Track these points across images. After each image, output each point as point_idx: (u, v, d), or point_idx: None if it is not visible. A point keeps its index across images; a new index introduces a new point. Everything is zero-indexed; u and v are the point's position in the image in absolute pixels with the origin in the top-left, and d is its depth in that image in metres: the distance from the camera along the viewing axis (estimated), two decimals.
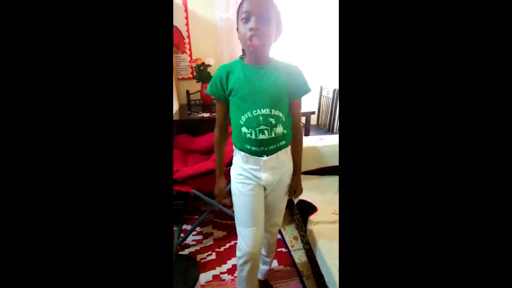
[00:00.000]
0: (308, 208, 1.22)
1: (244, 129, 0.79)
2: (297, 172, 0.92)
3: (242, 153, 0.82)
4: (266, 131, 0.77)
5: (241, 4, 0.72)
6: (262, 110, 0.76)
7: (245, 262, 0.88)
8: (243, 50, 0.82)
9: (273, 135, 0.78)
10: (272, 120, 0.77)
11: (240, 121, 0.78)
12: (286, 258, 1.34)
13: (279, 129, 0.79)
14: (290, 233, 1.51)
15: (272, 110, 0.76)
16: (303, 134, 2.04)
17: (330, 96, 2.24)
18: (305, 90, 0.82)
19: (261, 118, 0.76)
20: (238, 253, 0.90)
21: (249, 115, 0.77)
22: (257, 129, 0.77)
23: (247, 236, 0.86)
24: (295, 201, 1.33)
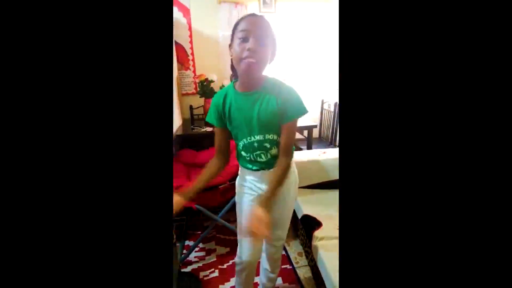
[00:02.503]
0: (312, 223, 1.20)
1: (243, 153, 0.83)
2: (268, 192, 0.75)
3: (245, 169, 0.87)
4: (262, 155, 0.81)
5: (238, 23, 0.70)
6: (255, 136, 0.78)
7: (242, 270, 0.94)
8: (232, 69, 0.79)
9: (269, 157, 0.81)
10: (267, 145, 0.79)
11: (239, 146, 0.83)
12: (291, 275, 1.31)
13: (275, 151, 0.81)
14: (294, 249, 1.48)
15: (266, 135, 0.78)
16: (306, 148, 2.03)
17: (332, 109, 2.26)
18: (299, 111, 0.74)
19: (256, 144, 0.79)
20: (236, 260, 0.95)
21: (245, 142, 0.80)
22: (254, 153, 0.81)
23: (245, 246, 0.90)
24: (299, 216, 1.32)
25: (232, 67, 0.78)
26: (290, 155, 0.80)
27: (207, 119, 0.84)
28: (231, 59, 0.75)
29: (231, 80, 0.82)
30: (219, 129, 0.83)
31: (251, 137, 0.78)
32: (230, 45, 0.74)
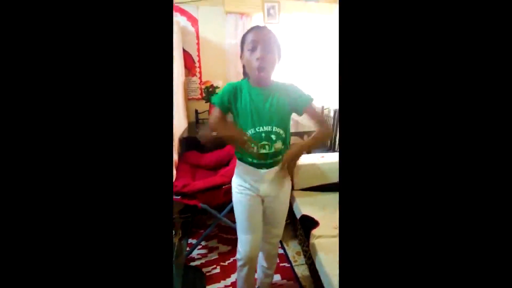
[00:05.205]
0: (310, 223, 1.27)
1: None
2: (301, 145, 0.87)
3: (244, 164, 0.92)
4: (267, 146, 0.88)
5: (246, 34, 0.84)
6: (265, 127, 0.86)
7: (243, 265, 0.99)
8: (244, 74, 0.91)
9: (272, 150, 0.88)
10: (273, 137, 0.87)
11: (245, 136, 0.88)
12: (289, 273, 1.37)
13: (278, 145, 0.88)
14: (293, 248, 1.54)
15: (274, 127, 0.86)
16: (306, 152, 2.10)
17: (331, 115, 2.34)
18: (308, 98, 0.88)
19: (263, 134, 0.86)
20: (237, 256, 1.01)
21: (253, 131, 0.86)
22: (259, 144, 0.87)
23: (245, 242, 0.96)
24: (298, 216, 1.39)
25: (244, 72, 0.91)
26: (325, 125, 0.95)
27: (213, 100, 0.90)
28: (243, 66, 0.89)
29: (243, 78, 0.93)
30: (217, 110, 0.88)
31: (259, 127, 0.85)
32: (240, 56, 0.87)
